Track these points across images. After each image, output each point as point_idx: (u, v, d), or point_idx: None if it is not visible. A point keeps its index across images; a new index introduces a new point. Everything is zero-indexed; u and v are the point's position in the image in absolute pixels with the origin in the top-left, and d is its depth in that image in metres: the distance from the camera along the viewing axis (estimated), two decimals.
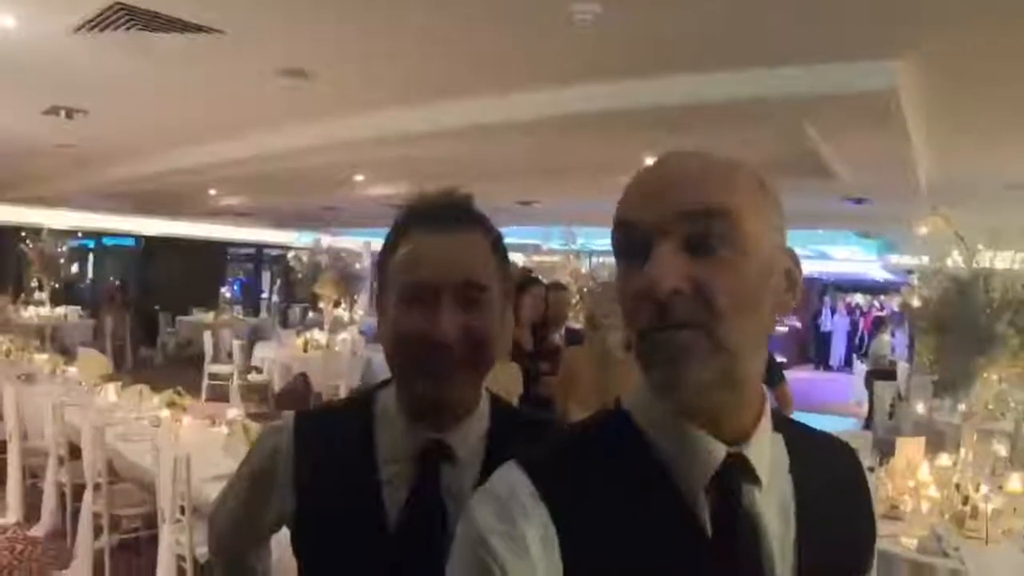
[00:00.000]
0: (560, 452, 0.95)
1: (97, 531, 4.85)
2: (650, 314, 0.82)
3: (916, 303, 4.48)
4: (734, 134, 5.78)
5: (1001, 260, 4.19)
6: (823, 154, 6.07)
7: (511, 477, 0.89)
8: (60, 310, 13.79)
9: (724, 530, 0.87)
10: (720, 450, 0.87)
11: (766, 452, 0.91)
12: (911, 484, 4.44)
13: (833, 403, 12.77)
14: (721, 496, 0.87)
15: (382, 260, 1.28)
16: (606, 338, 4.24)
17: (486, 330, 1.21)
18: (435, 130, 6.63)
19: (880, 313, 20.20)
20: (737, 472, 0.88)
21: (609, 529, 0.86)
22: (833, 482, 0.99)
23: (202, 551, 4.16)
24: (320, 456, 1.31)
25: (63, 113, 7.06)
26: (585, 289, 9.74)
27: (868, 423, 10.16)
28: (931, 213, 4.40)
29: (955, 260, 4.31)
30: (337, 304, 11.82)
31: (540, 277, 5.81)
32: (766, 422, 0.92)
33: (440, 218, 1.24)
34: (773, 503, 0.91)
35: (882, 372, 10.66)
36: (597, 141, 6.88)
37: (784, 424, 0.98)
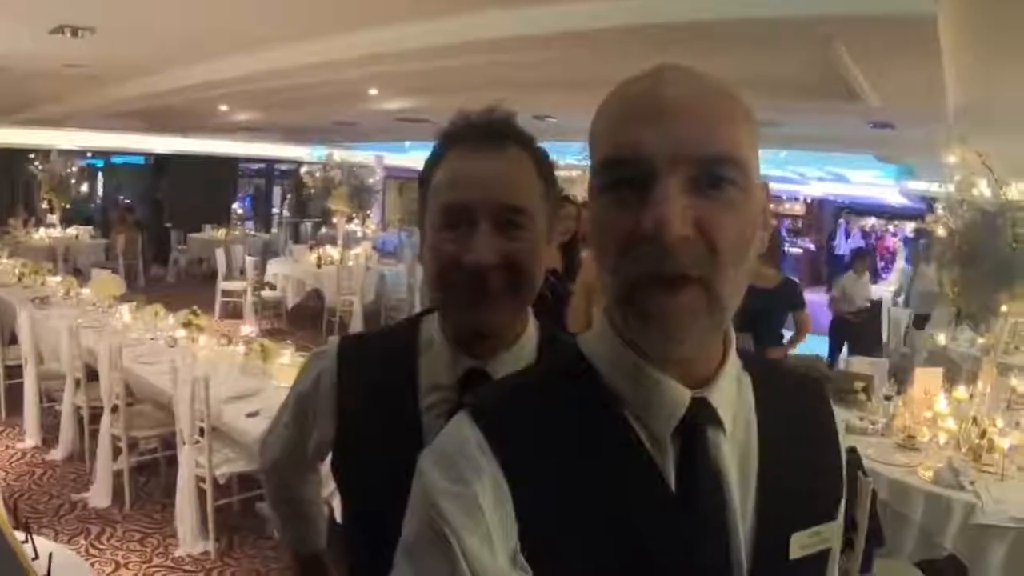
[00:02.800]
0: (514, 399, 0.91)
1: (115, 453, 4.92)
2: (647, 260, 0.76)
3: (941, 233, 4.40)
4: (762, 53, 5.62)
5: None
6: (852, 77, 5.88)
7: (461, 429, 0.86)
8: (71, 231, 13.82)
9: (687, 482, 0.84)
10: (684, 395, 0.84)
11: (731, 394, 0.89)
12: (928, 415, 4.45)
13: None
14: (685, 445, 0.84)
15: (422, 183, 1.24)
16: None
17: (527, 256, 1.17)
18: (450, 44, 6.45)
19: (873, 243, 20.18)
20: (702, 418, 0.85)
21: (565, 483, 0.83)
22: (800, 425, 0.96)
23: (222, 471, 4.24)
24: (362, 382, 1.31)
25: (69, 32, 6.86)
26: None
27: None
28: (961, 142, 4.28)
29: (981, 191, 4.23)
30: (350, 219, 11.79)
31: (571, 195, 5.67)
32: (731, 362, 0.89)
33: (480, 137, 1.19)
34: (736, 448, 0.88)
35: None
36: (617, 56, 6.66)
37: (752, 363, 0.95)
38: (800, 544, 0.89)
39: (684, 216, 0.75)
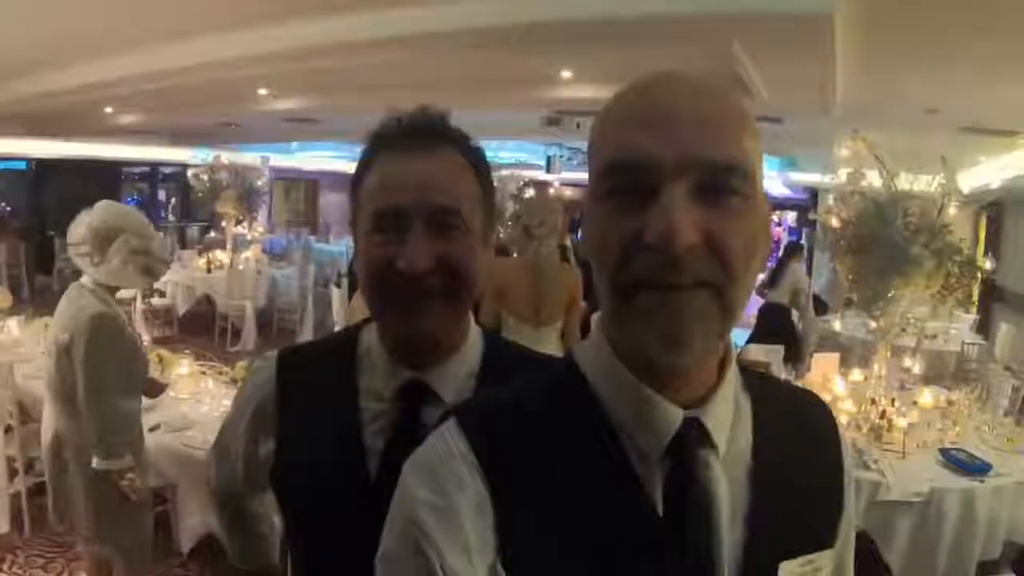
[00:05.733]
0: (503, 411, 0.89)
1: (11, 475, 4.64)
2: (650, 267, 0.74)
3: (835, 223, 4.54)
4: (657, 49, 5.68)
5: (919, 184, 4.28)
6: (747, 74, 6.03)
7: (447, 439, 0.85)
8: None
9: (675, 505, 0.82)
10: (676, 415, 0.82)
11: (726, 414, 0.86)
12: (827, 398, 4.60)
13: None
14: (675, 467, 0.82)
15: (353, 187, 1.20)
16: (540, 247, 4.26)
17: (463, 259, 1.14)
18: (342, 42, 6.35)
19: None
20: (693, 439, 0.82)
21: (549, 500, 0.81)
22: (799, 450, 0.93)
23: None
24: (301, 394, 1.27)
25: None
26: (515, 205, 9.61)
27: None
28: (852, 135, 4.43)
29: (871, 182, 4.38)
30: (238, 222, 11.53)
31: None
32: (728, 382, 0.86)
33: (411, 139, 1.15)
34: (728, 471, 0.85)
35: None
36: (513, 55, 6.71)
37: (754, 383, 0.93)
38: (789, 573, 0.87)
39: (692, 224, 0.73)
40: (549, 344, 4.25)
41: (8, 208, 16.63)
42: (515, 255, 4.73)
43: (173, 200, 20.31)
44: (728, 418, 0.86)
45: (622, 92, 0.82)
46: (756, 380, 0.94)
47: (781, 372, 5.31)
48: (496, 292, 4.24)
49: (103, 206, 3.16)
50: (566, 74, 7.44)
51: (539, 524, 0.80)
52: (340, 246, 15.93)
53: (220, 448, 1.46)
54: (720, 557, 0.82)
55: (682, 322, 0.75)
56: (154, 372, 4.86)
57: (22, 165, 16.59)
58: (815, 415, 1.00)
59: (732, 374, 0.88)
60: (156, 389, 3.69)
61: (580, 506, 0.81)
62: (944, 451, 3.95)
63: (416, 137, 1.16)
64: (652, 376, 0.81)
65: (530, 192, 11.43)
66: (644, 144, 0.75)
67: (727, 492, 0.84)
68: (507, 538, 0.80)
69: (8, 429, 4.59)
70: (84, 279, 3.12)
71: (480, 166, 1.21)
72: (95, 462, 2.87)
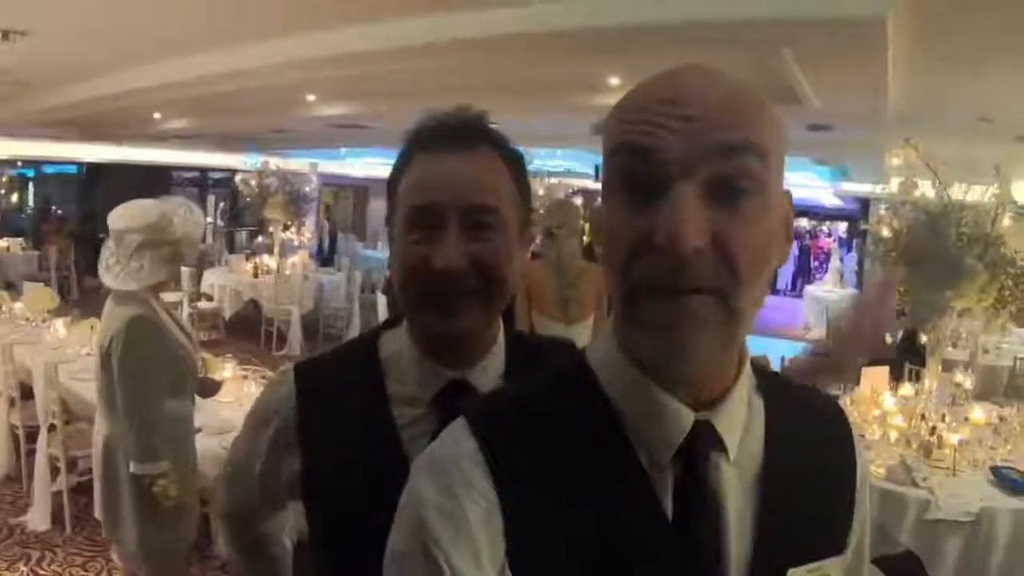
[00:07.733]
0: (513, 412, 0.87)
1: (54, 474, 4.73)
2: (656, 269, 0.72)
3: (885, 233, 4.44)
4: (705, 55, 5.63)
5: (972, 194, 4.18)
6: (796, 81, 5.96)
7: (457, 439, 0.84)
8: (2, 243, 13.43)
9: (684, 507, 0.81)
10: (688, 418, 0.80)
11: (739, 417, 0.84)
12: (876, 413, 4.50)
13: (783, 327, 12.88)
14: (685, 470, 0.81)
15: (390, 186, 1.19)
16: (561, 247, 4.30)
17: (497, 258, 1.12)
18: (389, 48, 6.38)
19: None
20: (704, 442, 0.81)
21: (559, 502, 0.80)
22: (812, 454, 0.91)
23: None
24: (326, 408, 1.23)
25: (0, 35, 6.65)
26: (542, 211, 9.63)
27: None
28: (903, 143, 4.34)
29: (924, 192, 4.29)
30: (287, 227, 11.64)
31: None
32: (742, 384, 0.84)
33: (449, 138, 1.14)
34: (739, 475, 0.84)
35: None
36: (559, 61, 6.70)
37: (769, 384, 0.91)
38: None
39: (700, 227, 0.70)
40: (581, 342, 4.24)
41: (59, 211, 17.02)
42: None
43: (222, 204, 20.63)
44: (740, 421, 0.85)
45: (638, 83, 0.80)
46: (770, 382, 0.92)
47: (830, 385, 5.20)
48: (526, 294, 4.27)
49: (110, 215, 3.09)
50: (614, 81, 7.40)
51: (547, 526, 0.79)
52: (388, 252, 16.10)
53: (232, 470, 1.42)
54: (729, 561, 0.82)
55: (686, 333, 0.73)
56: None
57: (73, 169, 16.99)
58: (830, 420, 0.98)
59: (746, 376, 0.86)
60: (211, 388, 3.67)
61: (589, 508, 0.80)
62: (995, 469, 3.84)
63: (453, 136, 1.15)
64: (663, 378, 0.79)
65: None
66: (651, 136, 0.73)
67: (737, 496, 0.83)
68: (515, 540, 0.78)
69: (52, 428, 4.65)
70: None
71: (517, 166, 1.20)
72: (132, 465, 2.86)
